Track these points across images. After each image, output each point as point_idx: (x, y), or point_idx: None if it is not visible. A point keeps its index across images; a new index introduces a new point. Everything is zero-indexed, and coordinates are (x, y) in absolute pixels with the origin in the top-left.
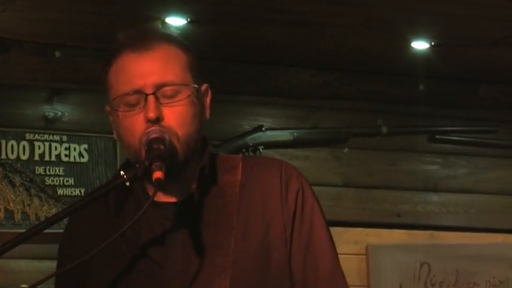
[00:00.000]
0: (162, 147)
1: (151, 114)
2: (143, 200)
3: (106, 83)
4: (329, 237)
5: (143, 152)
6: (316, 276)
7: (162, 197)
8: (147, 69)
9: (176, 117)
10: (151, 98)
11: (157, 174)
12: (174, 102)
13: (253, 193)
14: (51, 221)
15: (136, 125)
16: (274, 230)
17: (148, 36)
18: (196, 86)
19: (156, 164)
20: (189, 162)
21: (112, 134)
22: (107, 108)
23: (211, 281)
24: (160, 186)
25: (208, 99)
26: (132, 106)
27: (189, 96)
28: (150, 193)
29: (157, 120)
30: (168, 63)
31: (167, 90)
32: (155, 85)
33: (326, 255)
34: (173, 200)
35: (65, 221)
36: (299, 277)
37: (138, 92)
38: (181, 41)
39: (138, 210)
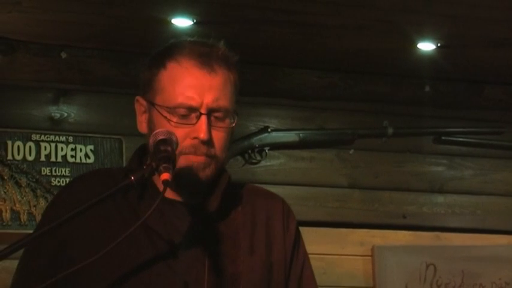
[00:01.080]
0: (169, 148)
1: (204, 136)
2: (155, 194)
3: (154, 80)
4: (314, 275)
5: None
6: None
7: (172, 195)
8: (206, 89)
9: (220, 143)
10: (204, 119)
11: (165, 176)
12: (221, 127)
13: (257, 213)
14: (59, 223)
15: (180, 135)
16: (277, 252)
17: (212, 55)
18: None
19: (163, 165)
20: None
21: (118, 135)
22: (142, 101)
23: (226, 282)
24: (168, 186)
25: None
26: (182, 117)
27: (234, 123)
28: (159, 187)
29: (208, 142)
30: (224, 88)
31: (218, 114)
32: (210, 107)
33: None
34: (185, 200)
35: None
36: None
37: (194, 109)
38: (235, 61)
39: (149, 201)
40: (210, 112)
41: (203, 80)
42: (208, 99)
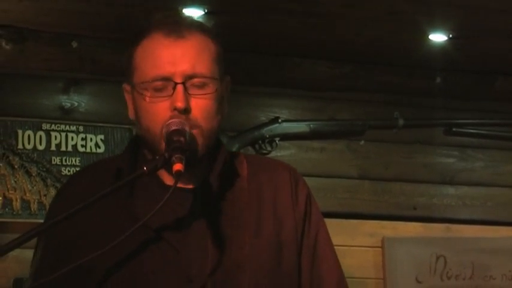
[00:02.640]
0: (182, 139)
1: (180, 105)
2: (152, 183)
3: (131, 61)
4: (331, 242)
5: (163, 142)
6: (321, 284)
7: (171, 181)
8: (178, 57)
9: (202, 110)
10: (180, 88)
11: (178, 167)
12: (201, 94)
13: (263, 190)
14: (68, 214)
15: (161, 112)
16: (286, 228)
17: (182, 23)
18: (222, 79)
19: (176, 156)
20: (205, 155)
21: (128, 124)
22: (126, 87)
23: (230, 272)
24: (180, 177)
25: (228, 90)
26: (158, 91)
27: (216, 90)
28: (161, 177)
29: (185, 111)
30: (199, 54)
31: (196, 81)
32: (185, 75)
33: (330, 262)
34: (186, 186)
35: None
36: (305, 281)
37: (168, 79)
38: (213, 31)
39: (146, 191)
40: (185, 80)
41: (174, 49)
42: (182, 67)
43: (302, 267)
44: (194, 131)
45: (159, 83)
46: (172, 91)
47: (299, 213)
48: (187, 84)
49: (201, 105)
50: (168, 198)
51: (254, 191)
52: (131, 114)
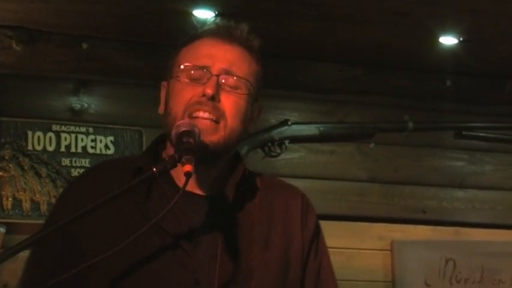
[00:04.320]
0: (191, 140)
1: (209, 91)
2: (166, 185)
3: (174, 58)
4: (334, 272)
5: (181, 119)
6: None
7: (188, 186)
8: (220, 54)
9: (231, 104)
10: (214, 78)
11: (188, 168)
12: (233, 92)
13: (275, 208)
14: (77, 216)
15: (190, 96)
16: (294, 247)
17: (235, 33)
18: (255, 97)
19: (186, 157)
20: (222, 156)
21: (138, 126)
22: (164, 83)
23: (237, 280)
24: (190, 177)
25: (258, 116)
26: (194, 80)
27: (247, 93)
28: (176, 180)
29: (213, 98)
30: (240, 59)
31: (231, 80)
32: (222, 69)
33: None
34: (200, 192)
35: None
36: None
37: (204, 68)
38: (258, 52)
39: (160, 192)
40: (221, 74)
41: (218, 46)
42: (221, 64)
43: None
44: (221, 123)
45: (196, 72)
46: (206, 81)
47: (307, 236)
48: (222, 78)
49: (230, 100)
50: (179, 199)
51: (266, 209)
52: (161, 109)
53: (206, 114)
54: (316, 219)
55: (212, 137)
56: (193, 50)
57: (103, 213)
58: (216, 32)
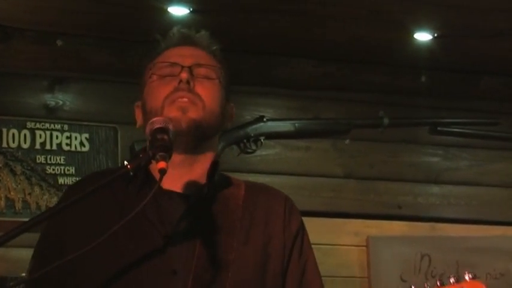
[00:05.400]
0: (165, 137)
1: (184, 75)
2: (146, 183)
3: (143, 78)
4: (319, 272)
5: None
6: None
7: (169, 185)
8: (188, 53)
9: (206, 90)
10: (186, 69)
11: (162, 165)
12: (206, 79)
13: (257, 210)
14: (53, 211)
15: (165, 88)
16: (275, 243)
17: (197, 40)
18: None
19: (160, 154)
20: (205, 139)
21: (113, 123)
22: (138, 103)
23: (214, 271)
24: (164, 174)
25: (232, 114)
26: (166, 76)
27: (219, 80)
28: (155, 177)
29: (188, 82)
30: (206, 56)
31: (202, 70)
32: (192, 63)
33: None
34: (180, 190)
35: None
36: None
37: (175, 64)
38: (221, 56)
39: (140, 189)
40: (192, 66)
41: (186, 51)
42: (189, 60)
43: (287, 285)
44: (199, 104)
45: (167, 68)
46: (179, 72)
47: (289, 235)
48: (193, 69)
49: (205, 86)
50: (154, 195)
51: (249, 208)
52: (139, 122)
53: (185, 99)
54: (300, 221)
55: (194, 113)
56: (161, 58)
57: (86, 213)
58: (181, 40)
